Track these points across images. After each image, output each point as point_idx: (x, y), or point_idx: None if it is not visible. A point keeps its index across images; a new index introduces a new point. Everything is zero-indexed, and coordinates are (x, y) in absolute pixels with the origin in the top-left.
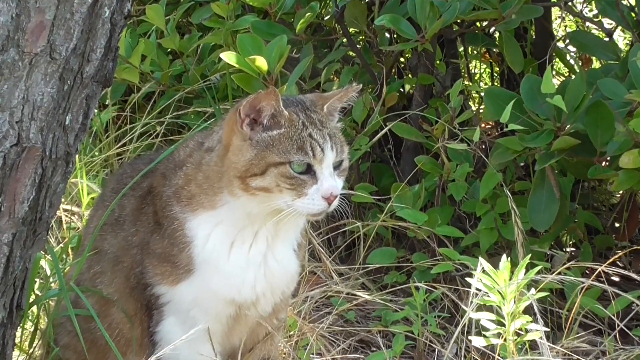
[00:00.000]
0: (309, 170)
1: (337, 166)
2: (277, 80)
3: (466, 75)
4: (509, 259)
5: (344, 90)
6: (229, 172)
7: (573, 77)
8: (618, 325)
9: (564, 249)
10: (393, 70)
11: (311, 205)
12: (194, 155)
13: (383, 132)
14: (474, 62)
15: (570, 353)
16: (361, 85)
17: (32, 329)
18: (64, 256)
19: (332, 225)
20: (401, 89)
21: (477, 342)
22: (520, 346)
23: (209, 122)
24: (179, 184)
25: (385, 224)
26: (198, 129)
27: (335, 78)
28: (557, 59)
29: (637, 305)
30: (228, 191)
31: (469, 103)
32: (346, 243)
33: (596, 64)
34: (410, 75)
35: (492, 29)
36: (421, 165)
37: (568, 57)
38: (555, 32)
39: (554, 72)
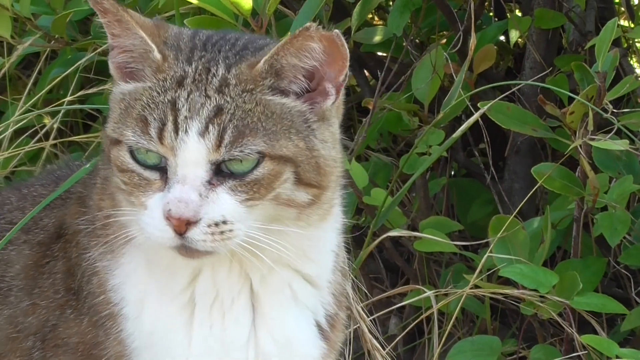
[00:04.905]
0: (162, 164)
1: (227, 170)
2: (270, 27)
3: (624, 9)
4: None
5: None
6: None
7: None
8: None
9: None
10: (487, 3)
11: (151, 228)
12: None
13: (472, 120)
14: None
15: None
16: (335, 30)
17: None
18: None
19: (379, 297)
20: (502, 38)
21: None
22: None
23: None
24: (94, 205)
25: (480, 292)
26: None
27: (375, 19)
28: None
29: None
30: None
31: (631, 63)
32: (407, 330)
33: None
34: (519, 13)
35: None
36: (543, 182)
37: None
38: None
39: None
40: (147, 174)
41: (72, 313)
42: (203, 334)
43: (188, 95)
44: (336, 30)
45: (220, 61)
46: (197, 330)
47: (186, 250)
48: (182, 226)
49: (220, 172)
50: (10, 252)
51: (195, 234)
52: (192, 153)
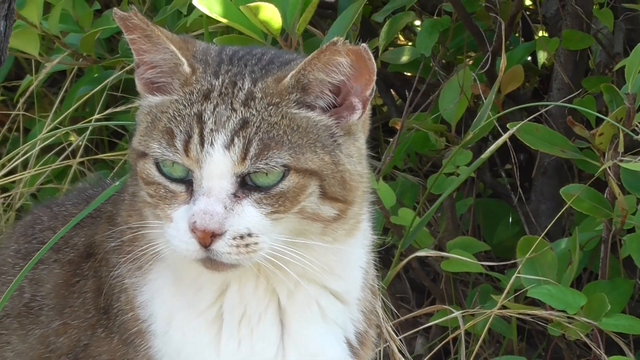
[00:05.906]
0: (188, 177)
1: (252, 183)
2: (299, 46)
3: None
4: None
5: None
6: None
7: None
8: None
9: None
10: (515, 24)
11: (177, 240)
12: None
13: (501, 140)
14: None
15: None
16: (362, 44)
17: None
18: None
19: (406, 316)
20: (529, 60)
21: None
22: None
23: None
24: (122, 221)
25: (507, 312)
26: None
27: (402, 40)
28: None
29: None
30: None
31: None
32: (434, 351)
33: None
34: (546, 34)
35: None
36: (572, 203)
37: None
38: None
39: None
40: (173, 186)
41: (103, 332)
42: (231, 350)
43: (214, 108)
44: (363, 44)
45: (246, 75)
46: (225, 346)
47: (211, 263)
48: (207, 238)
49: (245, 185)
50: (41, 271)
51: (220, 247)
52: (218, 165)
